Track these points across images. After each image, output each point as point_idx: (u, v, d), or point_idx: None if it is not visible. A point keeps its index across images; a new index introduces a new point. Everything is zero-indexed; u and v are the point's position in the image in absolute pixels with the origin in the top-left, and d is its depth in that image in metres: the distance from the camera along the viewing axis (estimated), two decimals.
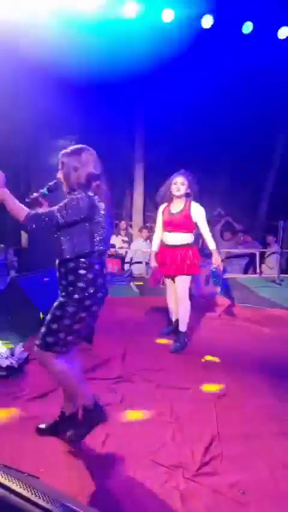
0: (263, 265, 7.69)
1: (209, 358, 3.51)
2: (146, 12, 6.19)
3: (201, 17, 6.32)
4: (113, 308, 4.79)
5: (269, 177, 9.87)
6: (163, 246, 3.79)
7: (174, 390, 2.91)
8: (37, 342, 2.11)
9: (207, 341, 3.94)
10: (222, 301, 5.10)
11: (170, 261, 3.69)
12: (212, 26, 6.36)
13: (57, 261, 2.11)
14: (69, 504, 1.04)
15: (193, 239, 3.74)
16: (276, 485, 2.00)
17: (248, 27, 6.48)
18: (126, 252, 7.67)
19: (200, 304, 4.85)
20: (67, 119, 6.86)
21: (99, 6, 5.82)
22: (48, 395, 2.74)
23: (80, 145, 2.15)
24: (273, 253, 7.56)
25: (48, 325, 2.07)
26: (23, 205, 2.06)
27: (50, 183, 2.21)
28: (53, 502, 1.04)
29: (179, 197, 3.67)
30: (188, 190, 3.67)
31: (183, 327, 3.75)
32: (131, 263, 7.30)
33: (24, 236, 7.10)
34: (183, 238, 3.66)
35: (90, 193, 2.06)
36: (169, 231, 3.71)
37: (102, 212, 2.10)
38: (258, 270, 7.54)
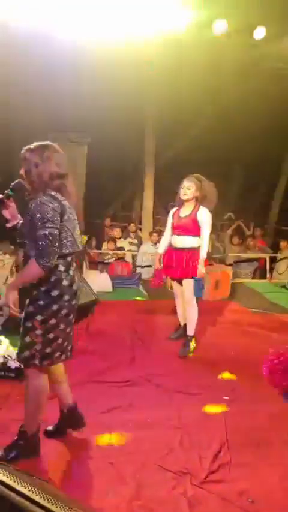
0: (274, 271, 7.62)
1: (226, 375, 3.30)
2: None
3: None
4: (122, 311, 4.80)
5: (281, 182, 9.82)
6: (171, 249, 3.81)
7: (182, 395, 2.89)
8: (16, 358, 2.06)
9: (216, 346, 3.91)
10: (232, 306, 5.06)
11: (176, 264, 3.72)
12: None
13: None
14: (77, 508, 1.03)
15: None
16: (286, 494, 1.97)
17: None
18: (133, 256, 7.67)
19: (209, 308, 4.81)
20: (79, 118, 6.85)
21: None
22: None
23: (45, 142, 2.03)
24: (284, 258, 7.48)
25: (21, 339, 2.00)
26: (22, 270, 1.99)
27: (12, 183, 2.09)
28: (61, 505, 1.03)
29: (188, 201, 3.69)
30: (197, 194, 3.66)
31: (191, 331, 3.73)
32: (141, 266, 7.29)
33: None
34: (191, 241, 3.67)
35: (53, 193, 1.96)
36: (177, 234, 3.74)
37: (70, 213, 2.00)
38: (268, 275, 7.47)
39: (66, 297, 2.00)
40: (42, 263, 1.87)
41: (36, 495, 1.07)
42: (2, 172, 5.09)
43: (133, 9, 5.28)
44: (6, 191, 2.10)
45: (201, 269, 3.62)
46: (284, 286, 6.54)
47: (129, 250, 7.78)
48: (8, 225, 2.13)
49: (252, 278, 7.53)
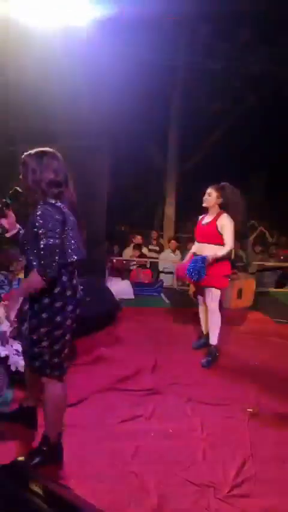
0: None
1: (250, 387, 3.16)
2: None
3: None
4: (144, 319, 4.78)
5: None
6: (193, 256, 3.75)
7: (205, 406, 2.85)
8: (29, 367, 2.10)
9: (239, 356, 3.84)
10: (255, 315, 4.96)
11: None
12: None
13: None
14: None
15: None
16: None
17: None
18: (151, 263, 7.65)
19: (231, 317, 4.74)
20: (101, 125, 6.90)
21: None
22: (83, 402, 2.76)
23: (45, 148, 1.99)
24: None
25: (30, 349, 2.00)
26: (24, 280, 1.98)
27: (10, 191, 2.06)
28: None
29: (211, 208, 3.66)
30: (218, 202, 3.62)
31: (213, 340, 3.68)
32: (164, 273, 7.28)
33: None
34: (212, 250, 3.55)
35: (52, 201, 1.93)
36: (200, 242, 3.71)
37: (72, 220, 1.97)
38: None
39: (69, 308, 1.98)
40: (44, 274, 1.84)
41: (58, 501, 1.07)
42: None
43: None
44: (4, 200, 2.06)
45: (209, 259, 3.45)
46: None
47: (151, 257, 7.78)
48: (7, 234, 2.11)
49: (275, 287, 7.39)
